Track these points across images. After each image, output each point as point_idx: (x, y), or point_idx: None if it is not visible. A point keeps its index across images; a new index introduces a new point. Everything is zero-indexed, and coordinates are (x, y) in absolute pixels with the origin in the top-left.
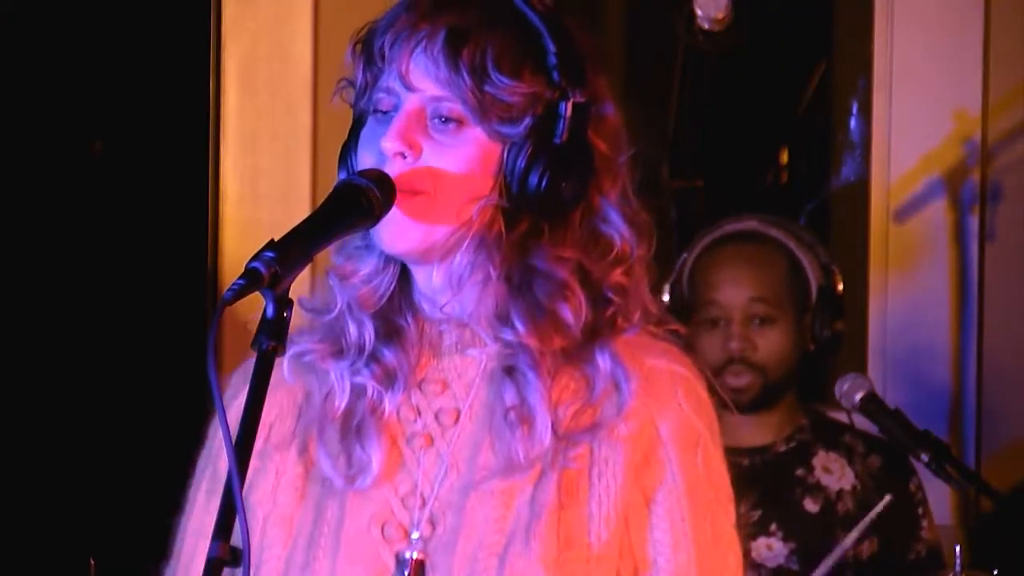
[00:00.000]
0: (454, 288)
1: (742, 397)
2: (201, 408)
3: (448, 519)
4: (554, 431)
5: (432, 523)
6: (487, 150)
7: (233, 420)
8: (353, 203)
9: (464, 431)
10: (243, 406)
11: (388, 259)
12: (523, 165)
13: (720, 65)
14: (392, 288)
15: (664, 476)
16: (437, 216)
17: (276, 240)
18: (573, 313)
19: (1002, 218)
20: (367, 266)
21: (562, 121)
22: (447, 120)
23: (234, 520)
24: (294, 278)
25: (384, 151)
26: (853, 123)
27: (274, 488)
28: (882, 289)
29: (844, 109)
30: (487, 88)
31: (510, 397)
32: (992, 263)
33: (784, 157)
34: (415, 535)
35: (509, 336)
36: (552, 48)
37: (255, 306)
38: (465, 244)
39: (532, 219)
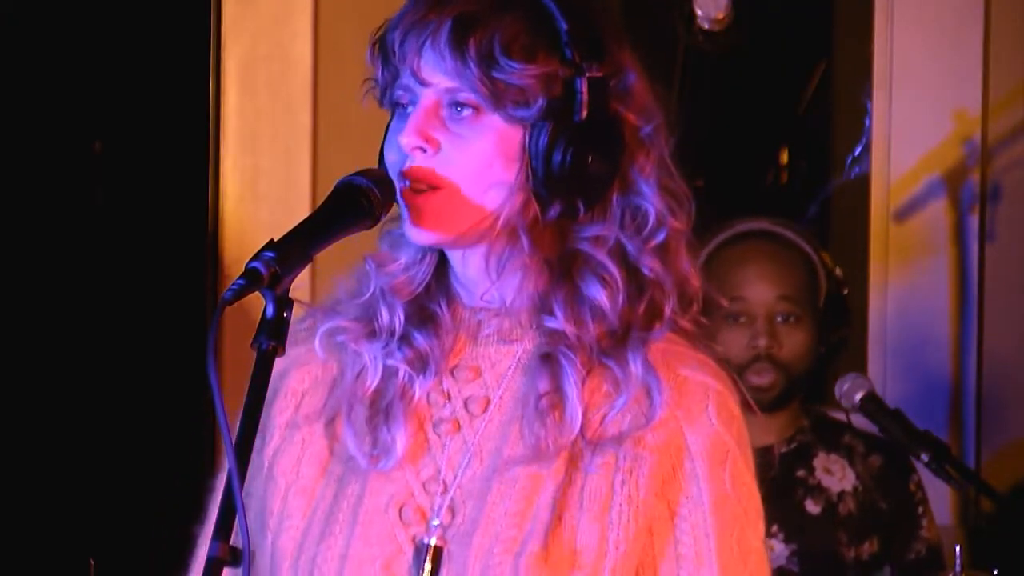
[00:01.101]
0: (492, 276)
1: (764, 396)
2: (201, 408)
3: (468, 508)
4: (582, 432)
5: (452, 511)
6: (507, 136)
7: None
8: (353, 203)
9: (492, 420)
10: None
11: (426, 250)
12: (544, 146)
13: (720, 65)
14: (428, 278)
15: (691, 490)
16: (463, 207)
17: (276, 240)
18: (610, 298)
19: (1002, 218)
20: (405, 255)
21: (580, 97)
22: (462, 108)
23: (234, 520)
24: (294, 278)
25: (403, 147)
26: (853, 123)
27: (298, 459)
28: (882, 289)
29: (844, 109)
30: (496, 74)
31: (543, 384)
32: (992, 263)
33: (784, 157)
34: (435, 522)
35: (550, 324)
36: (564, 26)
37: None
38: (497, 231)
39: (565, 200)
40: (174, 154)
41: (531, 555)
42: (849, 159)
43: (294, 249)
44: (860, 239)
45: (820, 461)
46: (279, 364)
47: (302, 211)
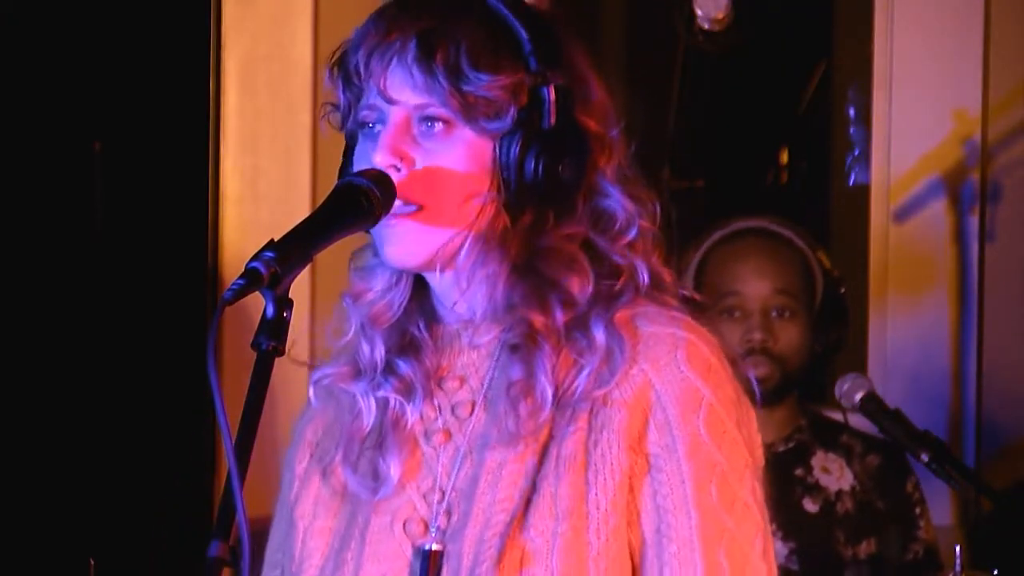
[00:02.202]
0: (462, 287)
1: (759, 388)
2: (201, 408)
3: (460, 506)
4: (555, 406)
5: (448, 513)
6: (478, 148)
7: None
8: (353, 203)
9: (478, 419)
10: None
11: (400, 272)
12: (516, 156)
13: (720, 65)
14: (405, 301)
15: (664, 439)
16: (439, 223)
17: (276, 240)
18: (579, 285)
19: (1002, 218)
20: (380, 282)
21: (547, 106)
22: (433, 123)
23: (234, 520)
24: (294, 278)
25: (377, 165)
26: (853, 123)
27: (315, 503)
28: (882, 289)
29: (844, 109)
30: (466, 87)
31: (515, 373)
32: (992, 263)
33: (784, 157)
34: (433, 528)
35: (519, 316)
36: (525, 35)
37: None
38: (468, 244)
39: (536, 208)
40: (174, 154)
41: (516, 530)
42: (849, 159)
43: (294, 249)
44: (860, 239)
45: (818, 460)
46: (305, 414)
47: (302, 211)
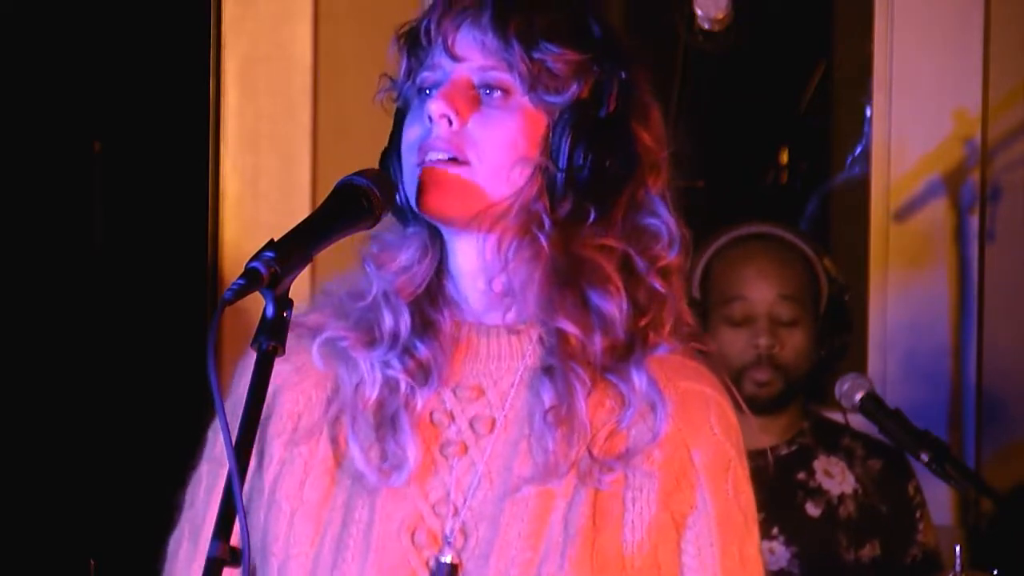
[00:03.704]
0: (500, 265)
1: (763, 392)
2: (201, 408)
3: (481, 531)
4: (589, 448)
5: (464, 533)
6: (533, 120)
7: (233, 412)
8: (353, 203)
9: (500, 440)
10: (242, 402)
11: (426, 248)
12: (568, 138)
13: (720, 65)
14: (429, 278)
15: (695, 501)
16: (482, 183)
17: (276, 240)
18: (617, 308)
19: (1002, 218)
20: (405, 254)
21: (608, 95)
22: (493, 89)
23: (234, 520)
24: (294, 278)
25: (431, 113)
26: (853, 123)
27: (301, 482)
28: (882, 289)
29: (844, 109)
30: (535, 55)
31: (549, 398)
32: (992, 263)
33: (784, 157)
34: (447, 544)
35: (559, 325)
36: (596, 27)
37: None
38: (512, 214)
39: (577, 198)
40: (174, 154)
41: (551, 573)
42: (849, 159)
43: (294, 249)
44: (860, 239)
45: (820, 463)
46: (280, 374)
47: (302, 211)
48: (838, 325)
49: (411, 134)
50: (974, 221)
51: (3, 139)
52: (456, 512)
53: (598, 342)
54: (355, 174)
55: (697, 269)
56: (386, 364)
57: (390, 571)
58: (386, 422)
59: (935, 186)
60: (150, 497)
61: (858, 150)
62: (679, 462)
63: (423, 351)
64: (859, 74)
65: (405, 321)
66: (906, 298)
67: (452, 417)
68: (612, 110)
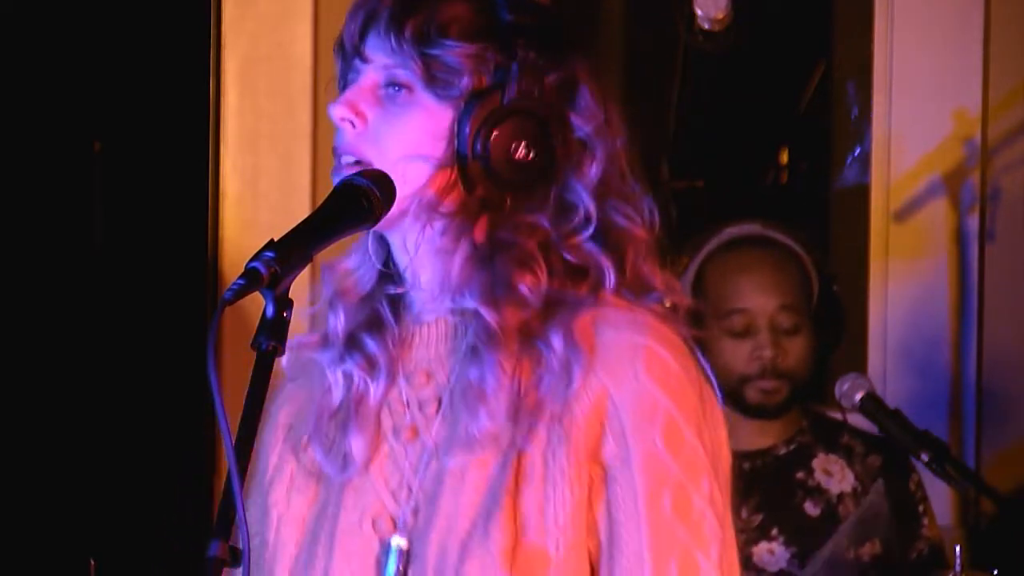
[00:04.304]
0: (409, 255)
1: (771, 400)
2: (201, 408)
3: (425, 507)
4: (511, 412)
5: (415, 513)
6: (436, 115)
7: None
8: (353, 203)
9: (444, 420)
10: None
11: (371, 250)
12: (469, 127)
13: (720, 65)
14: (374, 278)
15: (619, 451)
16: None
17: (276, 240)
18: (531, 284)
19: (1002, 218)
20: (353, 257)
21: (511, 83)
22: (397, 87)
23: (234, 520)
24: (294, 278)
25: (333, 119)
26: (853, 123)
27: (288, 489)
28: (882, 289)
29: (844, 109)
30: (431, 51)
31: (472, 374)
32: (992, 263)
33: (784, 157)
34: (400, 525)
35: (464, 304)
36: (507, 17)
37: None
38: (414, 208)
39: (490, 186)
40: (174, 154)
41: (476, 543)
42: (849, 159)
43: (294, 249)
44: (860, 239)
45: (819, 462)
46: (279, 394)
47: (302, 211)
48: (831, 317)
49: (335, 139)
50: (974, 221)
51: (3, 139)
52: (411, 494)
53: (513, 316)
54: (355, 174)
55: (689, 274)
56: (341, 360)
57: (356, 559)
58: (341, 420)
59: (935, 186)
60: (150, 497)
61: (858, 150)
62: (600, 413)
63: (371, 346)
64: (859, 74)
65: (342, 324)
66: (906, 298)
67: (407, 405)
68: (519, 91)
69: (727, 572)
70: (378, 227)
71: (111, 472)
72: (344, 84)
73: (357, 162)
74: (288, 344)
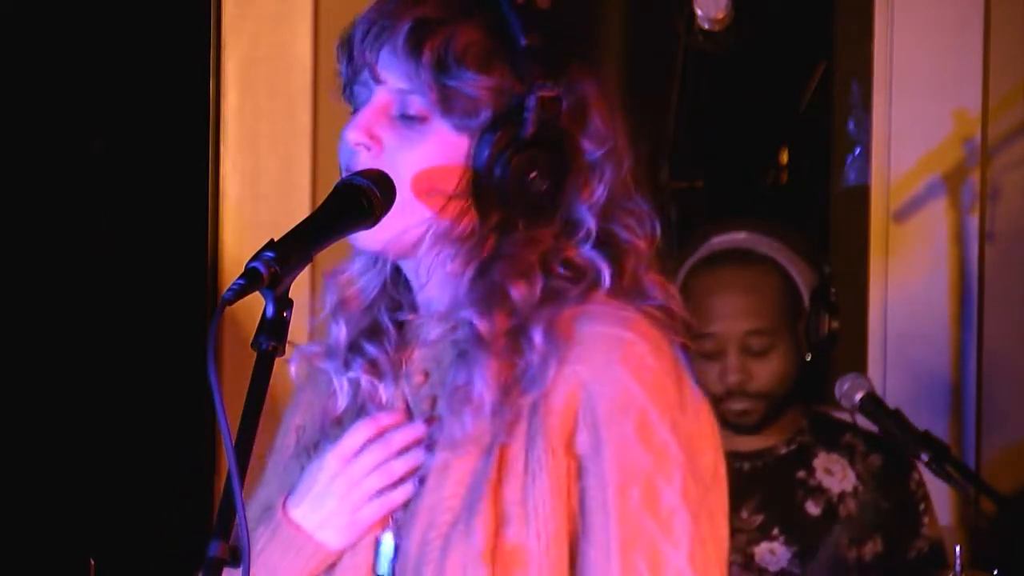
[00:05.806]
0: (422, 280)
1: (745, 419)
2: (201, 408)
3: (411, 502)
4: (495, 410)
5: (404, 508)
6: (453, 144)
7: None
8: (353, 203)
9: (435, 418)
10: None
11: (375, 258)
12: (487, 157)
13: (720, 65)
14: (379, 288)
15: (591, 442)
16: (401, 211)
17: (276, 240)
18: (525, 292)
19: (1002, 218)
20: (357, 265)
21: (528, 114)
22: (412, 115)
23: (234, 520)
24: (294, 278)
25: (348, 142)
26: (853, 123)
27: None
28: (882, 289)
29: (844, 109)
30: (449, 82)
31: (459, 377)
32: (992, 263)
33: (784, 157)
34: (391, 519)
35: (463, 316)
36: (523, 41)
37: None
38: (429, 237)
39: (504, 213)
40: (174, 154)
41: (459, 536)
42: (849, 159)
43: (294, 249)
44: (860, 239)
45: (820, 461)
46: (292, 401)
47: (302, 211)
48: (824, 317)
49: (341, 154)
50: (974, 221)
51: (3, 139)
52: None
53: (500, 324)
54: (355, 174)
55: (676, 281)
56: (347, 368)
57: (360, 554)
58: (347, 420)
59: (935, 186)
60: (150, 497)
61: (858, 150)
62: (575, 404)
63: (371, 351)
64: (859, 74)
65: (344, 334)
66: (906, 298)
67: (407, 403)
68: (537, 123)
69: (702, 566)
70: (393, 256)
71: (111, 472)
72: (350, 92)
73: None
74: (296, 354)
